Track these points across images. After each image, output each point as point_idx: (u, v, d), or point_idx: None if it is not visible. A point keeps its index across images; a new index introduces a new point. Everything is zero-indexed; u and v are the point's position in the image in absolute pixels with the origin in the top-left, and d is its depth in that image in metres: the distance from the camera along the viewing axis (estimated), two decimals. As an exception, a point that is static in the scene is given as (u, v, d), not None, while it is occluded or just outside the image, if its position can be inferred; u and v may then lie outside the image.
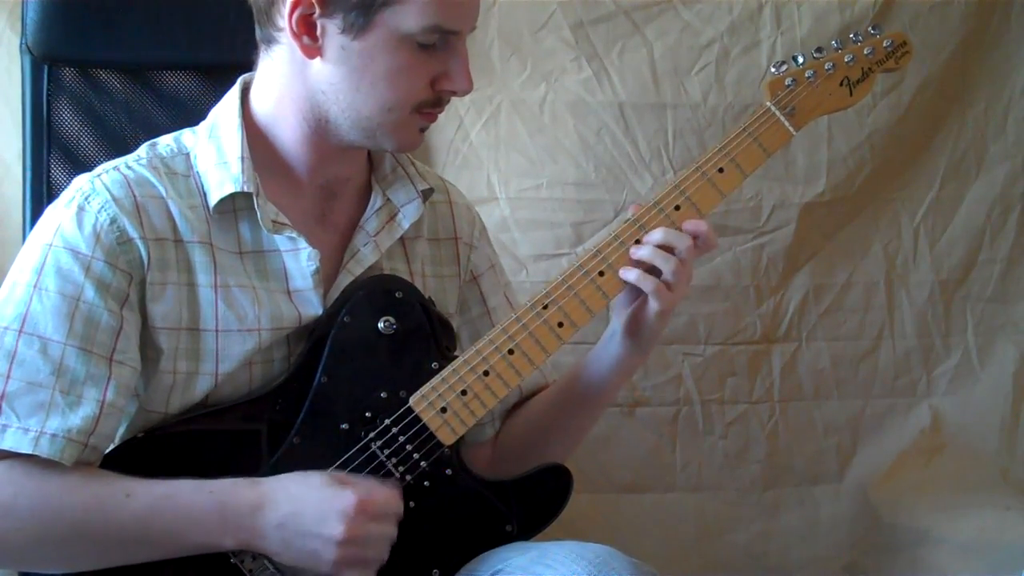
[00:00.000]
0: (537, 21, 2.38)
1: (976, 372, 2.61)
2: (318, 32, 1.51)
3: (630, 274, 1.60)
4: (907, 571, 2.38)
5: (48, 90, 1.97)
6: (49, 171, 1.97)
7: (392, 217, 1.68)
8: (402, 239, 1.70)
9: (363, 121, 1.55)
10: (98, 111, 1.99)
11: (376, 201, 1.67)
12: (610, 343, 1.71)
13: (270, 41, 1.57)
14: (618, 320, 1.68)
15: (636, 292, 1.63)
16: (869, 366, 2.58)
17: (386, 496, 1.50)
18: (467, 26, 1.56)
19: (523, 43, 2.38)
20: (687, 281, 1.62)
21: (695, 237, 1.61)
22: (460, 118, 2.38)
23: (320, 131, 1.58)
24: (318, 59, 1.52)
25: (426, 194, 1.71)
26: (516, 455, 1.78)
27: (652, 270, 1.60)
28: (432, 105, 1.57)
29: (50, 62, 1.96)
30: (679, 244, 1.60)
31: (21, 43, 1.96)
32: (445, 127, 2.38)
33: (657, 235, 1.61)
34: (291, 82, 1.57)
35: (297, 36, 1.51)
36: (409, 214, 1.69)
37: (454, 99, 2.30)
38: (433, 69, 1.54)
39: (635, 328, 1.66)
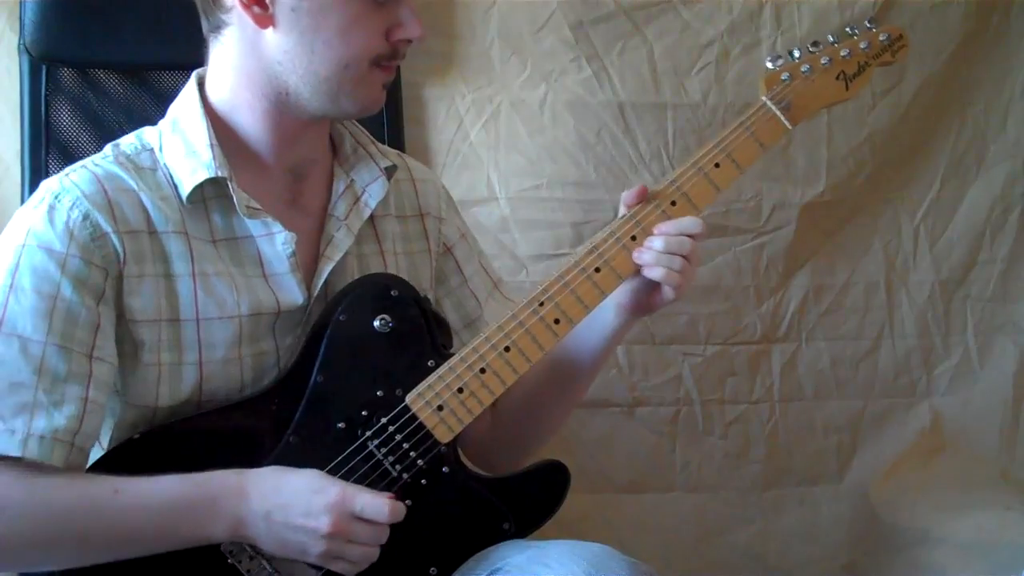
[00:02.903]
0: (537, 21, 2.38)
1: (976, 372, 2.61)
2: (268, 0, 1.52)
3: (654, 272, 1.62)
4: (907, 571, 2.37)
5: (47, 90, 1.97)
6: (48, 171, 1.98)
7: (357, 199, 1.69)
8: (371, 218, 1.70)
9: (323, 84, 1.55)
10: (96, 111, 2.00)
11: (340, 185, 1.68)
12: (606, 314, 1.71)
13: (218, 27, 1.59)
14: (622, 295, 1.69)
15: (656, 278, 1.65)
16: (869, 366, 2.58)
17: (373, 496, 1.49)
18: None
19: (523, 43, 2.38)
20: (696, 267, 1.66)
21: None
22: (460, 118, 2.38)
23: (281, 106, 1.58)
24: (270, 29, 1.54)
25: (389, 171, 1.72)
26: (511, 432, 1.80)
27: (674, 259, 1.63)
28: (389, 58, 1.59)
29: (49, 62, 1.97)
30: (695, 231, 1.63)
31: (20, 43, 1.97)
32: (445, 127, 2.38)
33: (669, 227, 1.63)
34: (245, 62, 1.57)
35: (247, 6, 1.52)
36: (375, 193, 1.70)
37: (455, 99, 2.34)
38: (384, 21, 1.56)
39: (640, 308, 1.68)
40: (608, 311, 1.70)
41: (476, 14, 2.33)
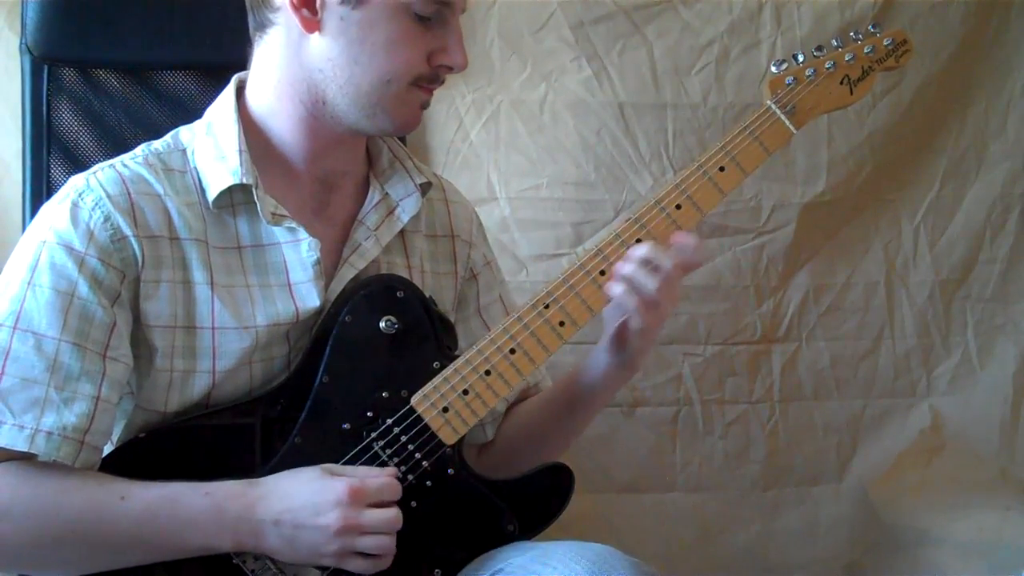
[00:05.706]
0: (537, 21, 2.38)
1: (976, 372, 2.61)
2: (317, 4, 1.52)
3: (615, 289, 1.58)
4: (907, 571, 2.38)
5: (48, 90, 1.96)
6: (48, 171, 1.97)
7: (391, 211, 1.68)
8: (401, 233, 1.70)
9: (362, 97, 1.54)
10: (98, 111, 1.99)
11: (374, 196, 1.68)
12: (599, 354, 1.70)
13: (264, 25, 1.58)
14: (606, 333, 1.67)
15: (624, 306, 1.60)
16: (869, 366, 2.58)
17: (380, 482, 1.49)
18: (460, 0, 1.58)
19: (523, 43, 2.38)
20: (673, 300, 1.59)
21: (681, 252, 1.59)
22: (460, 118, 2.38)
23: (318, 115, 1.58)
24: (316, 34, 1.53)
25: (424, 188, 1.71)
26: (509, 457, 1.79)
27: (637, 287, 1.58)
28: (429, 81, 1.58)
29: (50, 62, 1.96)
30: (663, 263, 1.57)
31: (21, 43, 1.96)
32: (445, 127, 2.38)
33: (641, 251, 1.58)
34: (288, 64, 1.57)
35: (297, 8, 1.52)
36: (408, 208, 1.69)
37: (455, 99, 2.34)
38: (429, 44, 1.55)
39: (620, 343, 1.65)
40: (600, 352, 1.69)
41: (476, 14, 2.33)
